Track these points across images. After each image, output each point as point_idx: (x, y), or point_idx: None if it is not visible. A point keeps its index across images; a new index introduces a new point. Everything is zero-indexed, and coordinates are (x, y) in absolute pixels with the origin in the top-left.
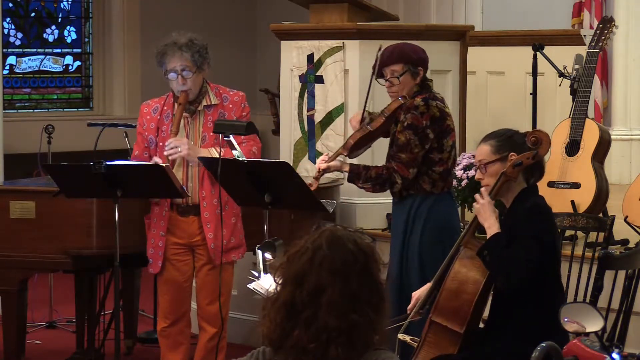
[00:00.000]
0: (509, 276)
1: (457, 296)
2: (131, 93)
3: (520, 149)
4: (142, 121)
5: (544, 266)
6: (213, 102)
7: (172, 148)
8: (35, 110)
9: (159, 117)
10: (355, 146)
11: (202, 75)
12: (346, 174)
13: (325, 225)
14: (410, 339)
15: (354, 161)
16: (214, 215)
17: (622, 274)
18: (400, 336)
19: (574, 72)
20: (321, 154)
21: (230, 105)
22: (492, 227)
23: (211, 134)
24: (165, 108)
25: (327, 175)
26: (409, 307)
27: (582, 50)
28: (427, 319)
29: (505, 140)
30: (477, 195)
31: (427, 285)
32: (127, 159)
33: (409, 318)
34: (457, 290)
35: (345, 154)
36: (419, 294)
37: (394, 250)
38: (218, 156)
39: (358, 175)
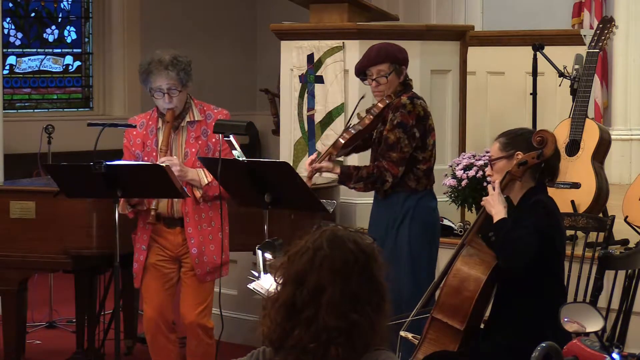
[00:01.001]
0: (512, 256)
1: (458, 293)
2: (131, 93)
3: (528, 148)
4: (129, 137)
5: (544, 262)
6: (196, 119)
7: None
8: (35, 110)
9: (144, 132)
10: (345, 146)
11: (186, 92)
12: (337, 177)
13: (325, 225)
14: (412, 337)
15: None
16: (197, 231)
17: (622, 274)
18: (402, 333)
19: (574, 72)
20: (321, 154)
21: (213, 123)
22: (499, 213)
23: (193, 150)
24: (150, 123)
25: (327, 175)
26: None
27: (582, 50)
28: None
29: (514, 139)
30: (489, 186)
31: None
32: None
33: (410, 317)
34: (458, 288)
35: (335, 154)
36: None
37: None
38: (207, 180)
39: (349, 176)
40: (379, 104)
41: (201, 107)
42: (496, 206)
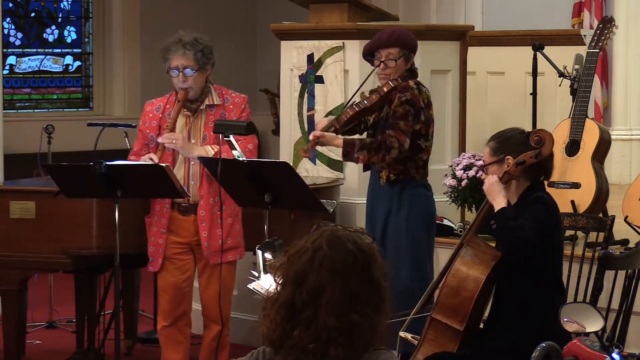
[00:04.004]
0: (513, 242)
1: (457, 294)
2: (131, 93)
3: (517, 151)
4: (144, 119)
5: (544, 257)
6: (215, 102)
7: (167, 139)
8: (35, 110)
9: (161, 115)
10: (348, 122)
11: (205, 75)
12: (341, 149)
13: (325, 225)
14: (412, 337)
15: None
16: (209, 214)
17: (622, 274)
18: (402, 334)
19: (574, 72)
20: (321, 154)
21: (231, 107)
22: (500, 203)
23: (212, 133)
24: (167, 107)
25: (327, 175)
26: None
27: (582, 50)
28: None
29: (502, 143)
30: (488, 175)
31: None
32: (127, 159)
33: (410, 317)
34: (457, 288)
35: (337, 127)
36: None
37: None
38: (213, 154)
39: (352, 145)
40: (385, 87)
41: (220, 91)
42: (497, 196)
